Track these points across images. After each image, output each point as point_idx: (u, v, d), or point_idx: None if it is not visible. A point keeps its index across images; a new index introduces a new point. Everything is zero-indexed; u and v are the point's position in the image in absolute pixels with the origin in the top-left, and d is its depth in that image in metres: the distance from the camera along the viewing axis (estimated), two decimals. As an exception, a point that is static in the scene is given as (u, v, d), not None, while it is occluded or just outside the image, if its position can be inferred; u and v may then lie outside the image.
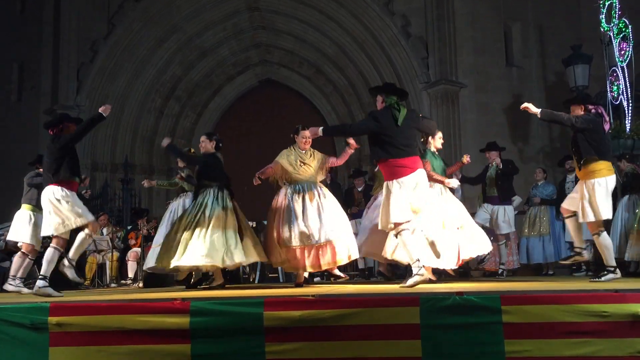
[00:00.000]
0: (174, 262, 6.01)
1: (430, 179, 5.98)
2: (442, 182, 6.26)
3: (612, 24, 10.49)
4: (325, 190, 6.40)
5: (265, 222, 9.19)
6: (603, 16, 10.58)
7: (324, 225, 6.10)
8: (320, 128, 5.34)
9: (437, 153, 6.58)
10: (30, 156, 13.46)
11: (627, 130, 10.12)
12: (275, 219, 6.26)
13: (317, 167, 6.40)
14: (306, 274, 6.52)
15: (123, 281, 9.93)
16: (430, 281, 6.12)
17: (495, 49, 12.54)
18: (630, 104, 10.29)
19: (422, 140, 6.59)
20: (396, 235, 5.14)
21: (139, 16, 13.79)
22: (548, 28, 12.84)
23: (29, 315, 3.82)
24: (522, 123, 12.20)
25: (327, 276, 8.09)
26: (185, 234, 6.03)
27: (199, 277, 7.06)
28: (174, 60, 14.32)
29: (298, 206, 6.16)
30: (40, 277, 5.42)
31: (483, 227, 7.54)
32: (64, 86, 13.44)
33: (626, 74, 10.27)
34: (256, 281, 9.68)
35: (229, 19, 14.21)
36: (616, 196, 8.22)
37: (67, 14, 13.57)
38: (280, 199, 6.33)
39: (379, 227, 5.30)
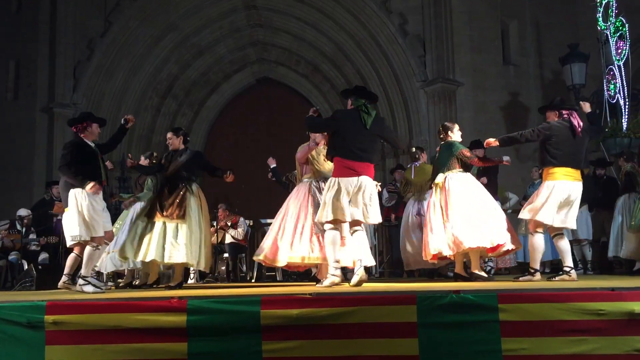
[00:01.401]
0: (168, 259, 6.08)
1: (480, 162, 6.38)
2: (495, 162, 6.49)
3: (609, 23, 10.51)
4: None
5: (262, 221, 9.22)
6: (600, 15, 10.61)
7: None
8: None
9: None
10: (26, 155, 13.50)
11: (624, 128, 10.15)
12: (298, 211, 6.10)
13: None
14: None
15: (120, 280, 9.90)
16: (462, 278, 6.08)
17: (492, 47, 12.55)
18: (627, 103, 10.32)
19: (440, 136, 6.58)
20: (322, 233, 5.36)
21: (136, 14, 13.75)
22: (545, 26, 12.86)
23: (25, 313, 3.81)
24: (519, 121, 12.20)
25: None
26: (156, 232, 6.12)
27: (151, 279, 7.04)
28: (171, 58, 14.29)
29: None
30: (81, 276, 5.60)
31: None
32: (61, 84, 13.39)
33: (623, 73, 10.30)
34: (253, 280, 9.69)
35: (226, 17, 14.18)
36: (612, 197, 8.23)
37: (64, 11, 13.51)
38: (303, 192, 6.19)
39: (316, 219, 5.46)
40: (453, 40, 12.31)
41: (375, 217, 5.31)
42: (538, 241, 5.55)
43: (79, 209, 5.50)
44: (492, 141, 5.81)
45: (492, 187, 8.10)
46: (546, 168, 5.55)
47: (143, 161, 7.48)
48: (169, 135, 6.60)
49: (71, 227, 5.57)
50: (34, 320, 3.78)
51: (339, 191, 5.13)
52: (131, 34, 13.79)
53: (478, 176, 7.71)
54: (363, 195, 5.15)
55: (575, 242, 8.47)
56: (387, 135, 5.56)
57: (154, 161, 7.27)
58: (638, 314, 3.41)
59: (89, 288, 5.49)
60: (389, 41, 12.85)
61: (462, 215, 5.89)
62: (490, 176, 7.96)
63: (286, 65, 14.63)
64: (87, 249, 5.64)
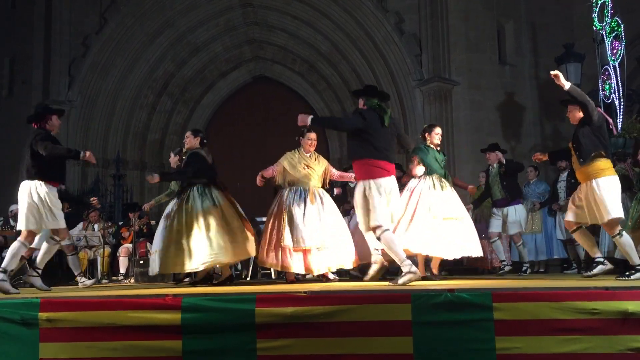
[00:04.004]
0: (189, 267, 6.08)
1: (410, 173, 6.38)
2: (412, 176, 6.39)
3: (605, 23, 10.52)
4: (326, 197, 6.42)
5: (258, 219, 9.21)
6: (595, 15, 10.61)
7: (319, 231, 6.17)
8: (310, 117, 5.24)
9: (433, 147, 6.51)
10: (21, 151, 13.41)
11: (619, 128, 10.17)
12: (274, 220, 6.33)
13: (322, 173, 6.49)
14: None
15: (114, 277, 9.89)
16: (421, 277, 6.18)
17: (488, 46, 12.57)
18: (622, 103, 10.33)
19: (420, 137, 6.67)
20: (378, 238, 5.07)
21: (132, 11, 13.72)
22: (541, 26, 12.90)
23: (18, 310, 3.81)
24: (514, 121, 12.24)
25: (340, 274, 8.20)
26: (185, 237, 6.02)
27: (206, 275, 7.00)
28: (167, 56, 14.26)
29: (299, 209, 6.20)
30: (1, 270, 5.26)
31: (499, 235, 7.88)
32: (56, 81, 13.34)
33: (618, 73, 10.31)
34: (248, 278, 9.67)
35: (222, 15, 14.17)
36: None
37: (59, 8, 13.45)
38: (281, 201, 6.38)
39: (363, 229, 5.28)
40: (449, 39, 12.33)
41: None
42: (627, 239, 5.25)
43: (32, 200, 5.27)
44: (562, 81, 5.41)
45: (515, 190, 8.03)
46: (596, 162, 5.24)
47: (173, 158, 7.47)
48: (187, 134, 6.61)
49: (20, 219, 5.32)
50: (27, 317, 3.78)
51: (380, 192, 5.00)
52: (127, 31, 13.75)
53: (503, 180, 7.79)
54: (395, 195, 5.14)
55: (569, 241, 8.50)
56: (402, 135, 5.53)
57: (183, 157, 7.22)
58: (632, 313, 3.42)
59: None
60: (385, 40, 12.86)
61: (410, 221, 6.07)
62: (510, 179, 7.93)
63: (282, 64, 14.63)
64: (44, 244, 5.55)
